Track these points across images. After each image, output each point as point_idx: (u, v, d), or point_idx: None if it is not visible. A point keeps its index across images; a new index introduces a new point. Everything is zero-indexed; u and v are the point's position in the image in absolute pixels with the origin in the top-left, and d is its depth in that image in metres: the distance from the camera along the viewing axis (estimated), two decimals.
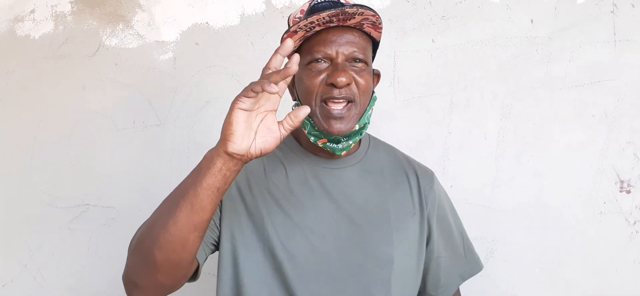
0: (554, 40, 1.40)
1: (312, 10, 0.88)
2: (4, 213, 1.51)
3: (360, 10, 0.82)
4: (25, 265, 1.50)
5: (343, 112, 0.86)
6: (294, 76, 0.88)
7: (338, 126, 0.85)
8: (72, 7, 1.57)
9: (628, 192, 1.40)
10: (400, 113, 1.47)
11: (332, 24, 0.85)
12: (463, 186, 1.43)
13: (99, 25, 1.55)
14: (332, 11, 0.81)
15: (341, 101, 0.85)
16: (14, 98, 1.55)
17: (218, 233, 0.89)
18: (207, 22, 1.52)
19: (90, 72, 1.53)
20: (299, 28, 0.83)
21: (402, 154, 1.03)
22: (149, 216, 0.84)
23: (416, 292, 0.98)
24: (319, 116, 0.87)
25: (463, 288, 1.40)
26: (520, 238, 1.42)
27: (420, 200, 0.96)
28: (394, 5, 1.46)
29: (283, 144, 0.94)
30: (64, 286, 1.50)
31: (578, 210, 1.40)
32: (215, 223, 0.89)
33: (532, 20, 1.41)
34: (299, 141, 0.96)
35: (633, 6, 1.37)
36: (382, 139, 1.06)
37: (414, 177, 0.98)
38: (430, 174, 1.01)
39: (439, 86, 1.45)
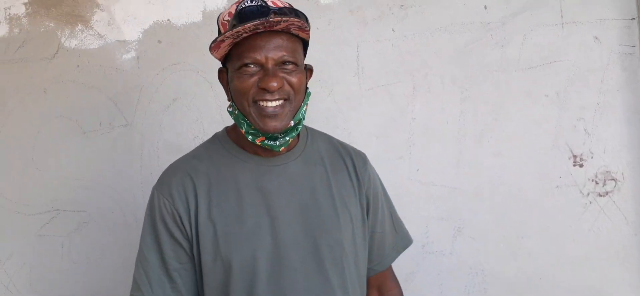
0: (506, 25, 1.63)
1: (240, 15, 0.96)
2: None
3: (285, 17, 0.95)
4: None
5: (277, 110, 1.00)
6: (227, 77, 1.05)
7: (273, 124, 1.00)
8: (26, 8, 1.71)
9: (581, 166, 1.66)
10: (365, 101, 1.67)
11: (259, 30, 0.98)
12: (428, 168, 1.66)
13: (57, 26, 1.69)
14: (257, 21, 0.93)
15: (275, 100, 0.99)
16: None
17: (194, 268, 1.06)
18: (168, 20, 1.69)
19: (51, 75, 1.67)
20: (226, 37, 0.97)
21: (337, 141, 1.20)
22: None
23: (365, 267, 1.14)
24: (253, 115, 1.01)
25: (437, 267, 1.65)
26: (484, 216, 1.66)
27: (357, 181, 1.13)
28: None
29: (229, 153, 1.08)
30: (37, 294, 1.63)
31: (536, 185, 1.65)
32: (191, 264, 1.06)
33: (485, 7, 1.64)
34: (242, 146, 1.09)
35: None
36: (317, 129, 1.21)
37: (350, 160, 1.15)
38: (363, 156, 1.18)
39: (401, 73, 1.67)
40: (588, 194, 1.65)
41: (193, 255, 1.06)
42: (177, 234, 1.05)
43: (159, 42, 1.68)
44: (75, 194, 1.64)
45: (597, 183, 1.64)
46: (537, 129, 1.64)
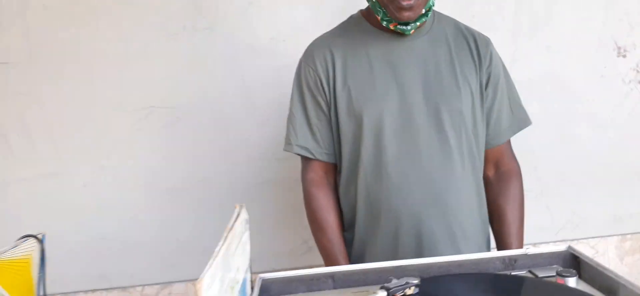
0: None
1: None
2: (78, 123, 1.87)
3: None
4: (103, 166, 1.92)
5: (412, 3, 1.22)
6: None
7: (408, 14, 1.23)
8: None
9: (624, 56, 1.92)
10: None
11: None
12: None
13: None
14: None
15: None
16: (62, 13, 1.89)
17: (330, 125, 1.36)
18: None
19: None
20: None
21: (464, 25, 1.42)
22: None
23: (483, 138, 1.37)
24: (391, 8, 1.24)
25: None
26: (535, 104, 1.91)
27: (479, 59, 1.35)
28: None
29: (363, 31, 1.34)
30: (139, 182, 1.91)
31: (583, 75, 1.92)
32: (329, 122, 1.36)
33: None
34: (374, 26, 1.35)
35: None
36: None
37: (473, 41, 1.37)
38: (486, 39, 1.40)
39: None
40: (629, 82, 1.92)
41: (330, 114, 1.35)
42: (318, 96, 1.36)
43: None
44: (166, 93, 1.89)
45: (638, 71, 1.91)
46: (585, 24, 1.89)
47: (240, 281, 0.74)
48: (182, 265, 2.00)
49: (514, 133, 1.43)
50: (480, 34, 1.41)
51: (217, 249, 0.58)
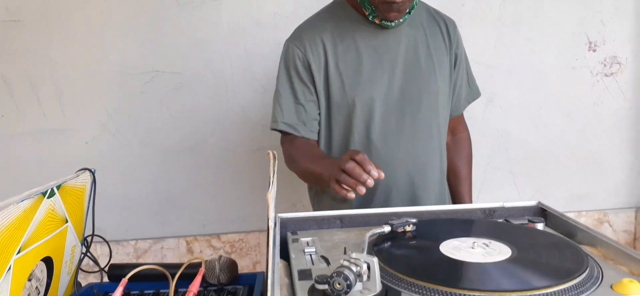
0: None
1: None
2: (83, 82, 1.99)
3: None
4: (105, 124, 2.04)
5: (401, 6, 1.34)
6: None
7: (395, 15, 1.36)
8: None
9: (594, 51, 2.15)
10: None
11: None
12: (472, 47, 2.05)
13: None
14: None
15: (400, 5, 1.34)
16: None
17: (318, 107, 1.47)
18: None
19: None
20: None
21: (432, 8, 1.57)
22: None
23: (449, 111, 1.56)
24: (381, 8, 1.32)
25: (470, 128, 2.15)
26: (512, 90, 2.15)
27: (449, 40, 1.52)
28: None
29: (349, 18, 1.44)
30: (138, 141, 2.05)
31: (556, 65, 2.14)
32: (315, 102, 1.45)
33: None
34: (357, 10, 1.45)
35: None
36: None
37: (443, 23, 1.53)
38: (453, 22, 1.56)
39: None
40: (596, 74, 2.15)
41: (317, 95, 1.46)
42: (305, 77, 1.44)
43: None
44: (172, 58, 2.03)
45: (605, 65, 2.15)
46: (563, 18, 2.10)
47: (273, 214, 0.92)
48: (174, 221, 2.17)
49: (469, 103, 1.64)
50: (448, 18, 1.57)
51: (270, 177, 0.75)
